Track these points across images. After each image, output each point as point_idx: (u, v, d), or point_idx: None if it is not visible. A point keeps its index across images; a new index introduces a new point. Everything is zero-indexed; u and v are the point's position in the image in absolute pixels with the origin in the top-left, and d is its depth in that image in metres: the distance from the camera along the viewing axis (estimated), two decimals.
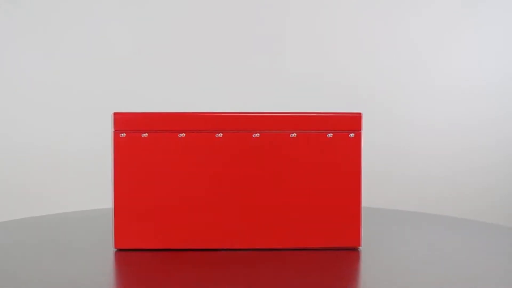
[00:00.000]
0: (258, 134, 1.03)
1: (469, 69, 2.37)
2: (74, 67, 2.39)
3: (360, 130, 1.05)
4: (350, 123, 1.04)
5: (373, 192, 2.28)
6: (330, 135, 1.04)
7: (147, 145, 1.02)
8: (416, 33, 2.42)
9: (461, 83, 2.37)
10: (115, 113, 1.03)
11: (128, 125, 1.03)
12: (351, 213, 1.04)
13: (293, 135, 1.04)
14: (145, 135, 1.03)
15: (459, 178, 2.35)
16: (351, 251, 1.03)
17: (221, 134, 1.03)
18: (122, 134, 1.02)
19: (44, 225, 1.34)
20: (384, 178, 2.42)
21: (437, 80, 2.39)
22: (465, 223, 1.34)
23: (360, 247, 1.05)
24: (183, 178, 1.03)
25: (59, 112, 2.36)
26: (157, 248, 1.03)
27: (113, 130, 1.03)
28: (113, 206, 1.03)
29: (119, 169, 1.02)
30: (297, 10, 2.55)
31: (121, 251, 1.02)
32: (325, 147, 1.04)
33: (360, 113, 1.05)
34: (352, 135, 1.04)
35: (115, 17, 2.47)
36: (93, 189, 2.11)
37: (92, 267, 0.93)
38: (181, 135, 1.03)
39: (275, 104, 2.42)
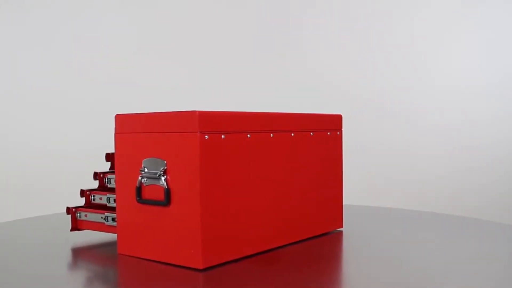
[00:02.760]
0: (293, 133, 1.09)
1: (469, 69, 2.41)
2: (73, 68, 2.32)
3: (342, 128, 1.23)
4: (336, 123, 1.21)
5: (373, 191, 2.34)
6: (329, 133, 1.19)
7: (227, 146, 0.93)
8: (416, 33, 2.45)
9: (461, 83, 2.42)
10: (199, 112, 0.89)
11: (212, 126, 0.91)
12: (336, 200, 1.21)
13: (312, 133, 1.13)
14: (223, 136, 0.93)
15: (459, 177, 2.38)
16: (338, 233, 1.20)
17: (272, 134, 1.03)
18: (206, 136, 0.90)
19: (48, 224, 1.30)
20: (385, 177, 2.41)
21: (437, 80, 2.43)
22: (463, 220, 1.35)
23: (342, 229, 1.23)
24: (257, 179, 0.98)
25: (58, 113, 2.31)
26: (242, 256, 0.95)
27: (198, 131, 0.89)
28: (200, 217, 0.89)
29: (206, 175, 0.89)
30: (296, 10, 2.49)
31: (208, 270, 0.89)
32: (326, 144, 1.18)
33: (340, 114, 1.23)
34: (338, 133, 1.22)
35: (115, 17, 2.36)
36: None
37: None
38: (249, 135, 0.98)
39: (274, 103, 2.40)
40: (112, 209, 1.07)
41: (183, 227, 0.90)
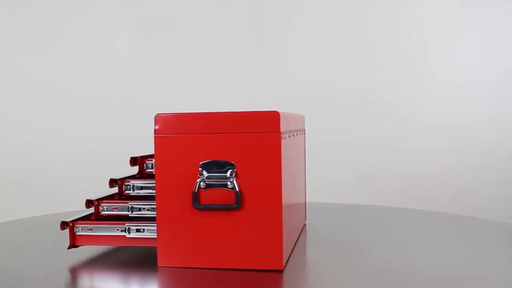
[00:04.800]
0: (297, 134, 1.14)
1: (468, 69, 2.36)
2: (74, 68, 2.37)
3: (304, 128, 1.32)
4: (302, 123, 1.30)
5: (372, 190, 2.28)
6: (301, 133, 1.27)
7: (286, 146, 0.95)
8: (417, 33, 2.39)
9: (461, 82, 2.35)
10: (280, 113, 0.89)
11: (284, 126, 0.92)
12: (302, 195, 1.30)
13: (300, 134, 1.20)
14: (288, 136, 0.94)
15: (459, 176, 2.34)
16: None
17: (293, 135, 1.07)
18: (283, 136, 0.90)
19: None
20: (383, 177, 2.37)
21: (438, 80, 2.37)
22: (461, 219, 1.35)
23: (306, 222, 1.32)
24: (289, 177, 1.02)
25: (57, 113, 2.37)
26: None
27: (280, 132, 0.89)
28: (282, 218, 0.89)
29: (284, 175, 0.90)
30: (291, 10, 2.41)
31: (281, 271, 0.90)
32: (302, 143, 1.26)
33: (303, 115, 1.32)
34: (304, 132, 1.30)
35: (114, 17, 2.40)
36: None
37: None
38: (289, 135, 1.01)
39: (270, 103, 2.27)
40: (137, 219, 0.96)
41: (259, 230, 0.88)
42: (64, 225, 0.96)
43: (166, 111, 1.40)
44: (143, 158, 0.98)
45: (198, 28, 2.40)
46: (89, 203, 0.97)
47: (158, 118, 0.91)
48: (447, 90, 2.31)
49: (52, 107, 2.38)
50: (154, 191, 0.94)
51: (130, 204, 0.95)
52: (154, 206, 0.94)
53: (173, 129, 0.90)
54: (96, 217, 0.97)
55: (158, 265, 0.92)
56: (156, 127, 0.91)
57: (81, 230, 0.96)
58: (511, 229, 1.18)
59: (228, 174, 0.89)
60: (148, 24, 2.42)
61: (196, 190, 0.89)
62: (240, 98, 2.38)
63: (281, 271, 0.88)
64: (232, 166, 0.89)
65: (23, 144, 2.35)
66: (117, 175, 1.01)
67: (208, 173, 0.89)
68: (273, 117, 0.88)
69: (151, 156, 0.97)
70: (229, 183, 0.89)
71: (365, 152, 2.38)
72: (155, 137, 0.91)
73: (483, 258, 0.96)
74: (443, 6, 2.33)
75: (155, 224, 0.93)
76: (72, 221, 0.96)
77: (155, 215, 0.93)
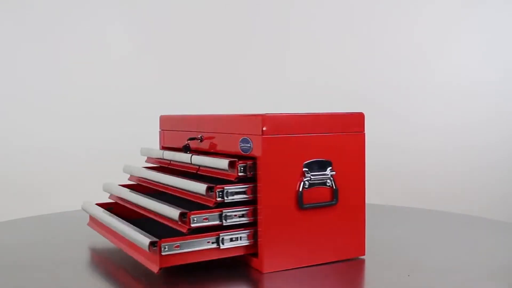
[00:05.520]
0: None
1: (469, 69, 2.40)
2: (73, 69, 2.28)
3: None
4: None
5: (372, 190, 1.92)
6: None
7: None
8: (418, 34, 2.43)
9: (461, 83, 2.39)
10: (363, 115, 0.99)
11: None
12: None
13: None
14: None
15: (460, 176, 2.40)
16: None
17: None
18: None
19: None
20: (386, 176, 2.36)
21: (438, 80, 2.40)
22: (463, 218, 1.35)
23: None
24: None
25: (60, 115, 2.27)
26: None
27: (364, 132, 0.99)
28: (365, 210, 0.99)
29: None
30: (295, 10, 2.40)
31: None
32: None
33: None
34: None
35: (115, 18, 2.33)
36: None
37: None
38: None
39: (272, 104, 2.33)
40: (232, 227, 0.88)
41: (347, 222, 0.96)
42: (152, 245, 0.81)
43: (165, 112, 1.25)
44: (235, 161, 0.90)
45: (197, 29, 2.35)
46: (182, 216, 0.84)
47: (266, 119, 0.87)
48: (447, 90, 2.38)
49: (51, 107, 2.27)
50: (247, 196, 0.89)
51: (224, 212, 0.87)
52: (248, 212, 0.89)
53: (280, 129, 0.89)
54: (188, 231, 0.85)
55: (264, 271, 0.88)
56: (264, 128, 0.87)
57: (168, 249, 0.83)
58: (511, 228, 1.26)
59: (328, 172, 0.93)
60: (147, 25, 2.34)
61: (301, 190, 0.90)
62: (239, 98, 2.33)
63: (360, 258, 0.98)
64: (330, 164, 0.93)
65: (23, 144, 2.25)
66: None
67: (311, 172, 0.91)
68: (359, 117, 0.97)
69: (240, 159, 0.90)
70: (328, 181, 0.93)
71: (365, 152, 2.33)
72: (262, 138, 0.87)
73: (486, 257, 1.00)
74: (443, 6, 2.36)
75: (252, 230, 0.89)
76: (159, 240, 0.82)
77: (249, 221, 0.89)
